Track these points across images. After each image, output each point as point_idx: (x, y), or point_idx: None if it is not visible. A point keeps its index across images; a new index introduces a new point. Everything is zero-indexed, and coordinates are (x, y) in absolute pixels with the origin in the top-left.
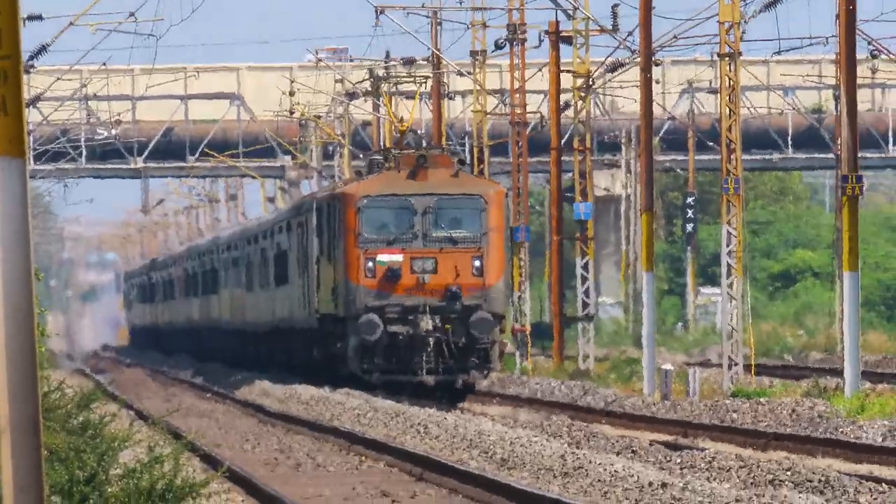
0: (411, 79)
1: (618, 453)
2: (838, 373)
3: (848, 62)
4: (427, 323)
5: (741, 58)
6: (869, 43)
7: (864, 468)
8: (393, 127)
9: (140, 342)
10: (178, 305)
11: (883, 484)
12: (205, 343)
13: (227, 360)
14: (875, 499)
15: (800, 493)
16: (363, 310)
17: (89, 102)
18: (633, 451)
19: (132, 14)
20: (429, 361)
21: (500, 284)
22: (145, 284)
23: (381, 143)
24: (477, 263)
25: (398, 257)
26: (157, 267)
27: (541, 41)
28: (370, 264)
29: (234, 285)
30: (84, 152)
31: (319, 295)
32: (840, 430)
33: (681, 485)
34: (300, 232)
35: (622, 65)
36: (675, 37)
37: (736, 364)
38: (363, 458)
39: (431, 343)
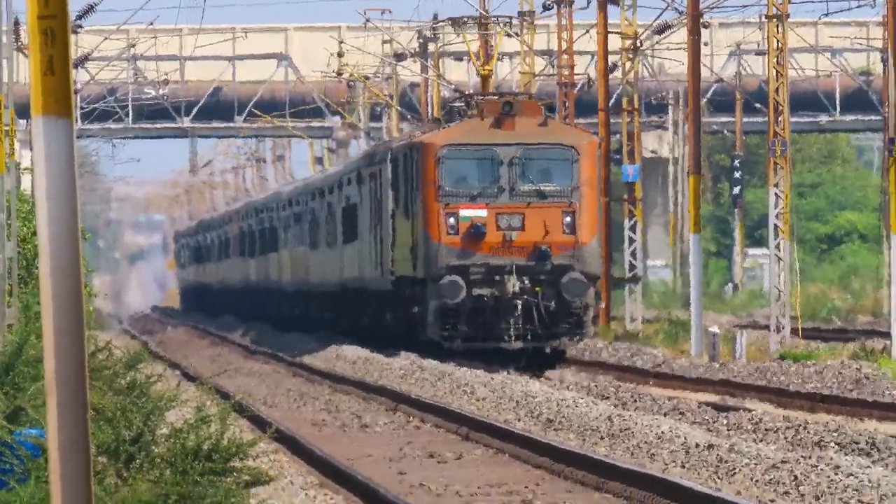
0: (461, 40)
1: (665, 415)
2: (885, 335)
3: None
4: (514, 285)
5: (789, 20)
6: None
7: None
8: (474, 70)
9: (192, 303)
10: (233, 265)
11: None
12: (262, 305)
13: (286, 323)
14: None
15: (846, 454)
16: (444, 270)
17: (137, 62)
18: (680, 413)
19: None
20: (516, 327)
21: (594, 243)
22: (199, 244)
23: (430, 105)
24: (568, 220)
25: (482, 212)
26: (212, 226)
27: (588, 3)
28: (451, 220)
29: (297, 243)
30: (131, 112)
31: (395, 254)
32: (887, 392)
33: (727, 446)
34: (373, 184)
35: (670, 26)
36: None
37: (783, 327)
38: (410, 417)
39: (519, 307)
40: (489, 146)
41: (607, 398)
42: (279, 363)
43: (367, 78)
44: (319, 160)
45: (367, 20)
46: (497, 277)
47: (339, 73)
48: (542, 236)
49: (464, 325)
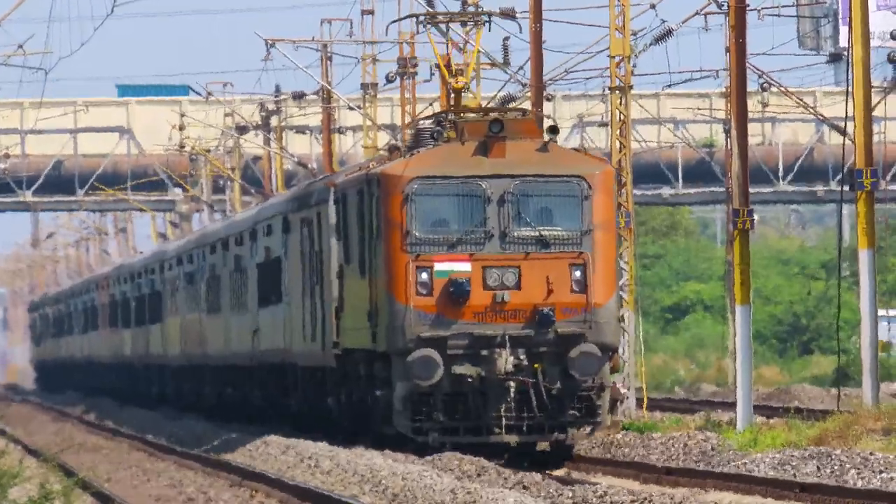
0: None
1: (510, 488)
2: (730, 406)
3: (738, 95)
4: (507, 361)
5: (632, 91)
6: (759, 76)
7: (755, 500)
8: (447, 85)
9: (49, 381)
10: (102, 337)
11: None
12: (141, 382)
13: (173, 403)
14: None
15: None
16: (415, 342)
17: None
18: (524, 487)
19: (20, 46)
20: (509, 416)
21: (612, 304)
22: (61, 314)
23: (273, 178)
24: (578, 274)
25: (465, 266)
26: (76, 293)
27: (432, 75)
28: (424, 276)
29: (189, 309)
30: None
31: (342, 321)
32: (732, 462)
33: None
34: (306, 231)
35: (513, 99)
36: (566, 71)
37: (628, 398)
38: (254, 492)
39: (513, 389)
40: (473, 179)
41: (451, 471)
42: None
43: (209, 151)
44: (163, 234)
45: (209, 93)
46: (484, 352)
47: (182, 147)
48: (544, 296)
49: (441, 413)
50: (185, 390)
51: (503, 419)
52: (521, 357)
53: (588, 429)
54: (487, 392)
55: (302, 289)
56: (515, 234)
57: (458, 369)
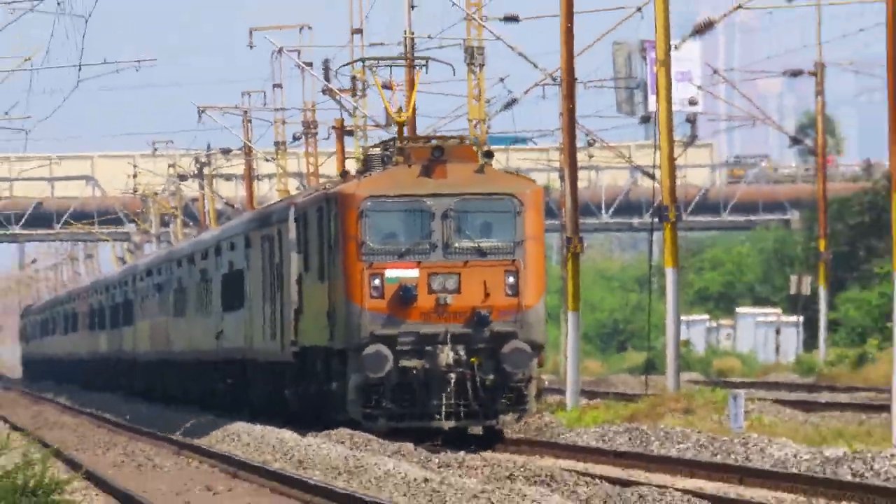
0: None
1: (389, 456)
2: (562, 391)
3: (570, 149)
4: (448, 356)
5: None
6: (586, 134)
7: (580, 466)
8: (388, 118)
9: (35, 373)
10: (81, 337)
11: (596, 479)
12: (113, 375)
13: (141, 393)
14: (589, 489)
15: (531, 485)
16: (368, 339)
17: None
18: (401, 455)
19: (6, 113)
20: (449, 403)
21: (540, 306)
22: (47, 319)
23: (207, 215)
24: (511, 280)
25: (412, 273)
26: (59, 303)
27: (329, 134)
28: (377, 282)
29: (157, 313)
30: None
31: (301, 322)
32: (562, 435)
33: (439, 479)
34: (266, 247)
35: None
36: (434, 131)
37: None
38: (190, 460)
39: (453, 381)
40: (420, 197)
41: (343, 443)
42: (88, 417)
43: (156, 194)
44: (122, 259)
45: (156, 149)
46: (428, 347)
47: (135, 191)
48: (482, 299)
49: (389, 401)
50: (151, 382)
51: (443, 407)
52: (461, 352)
53: (517, 415)
54: (430, 383)
55: (262, 296)
56: (456, 245)
57: (405, 363)
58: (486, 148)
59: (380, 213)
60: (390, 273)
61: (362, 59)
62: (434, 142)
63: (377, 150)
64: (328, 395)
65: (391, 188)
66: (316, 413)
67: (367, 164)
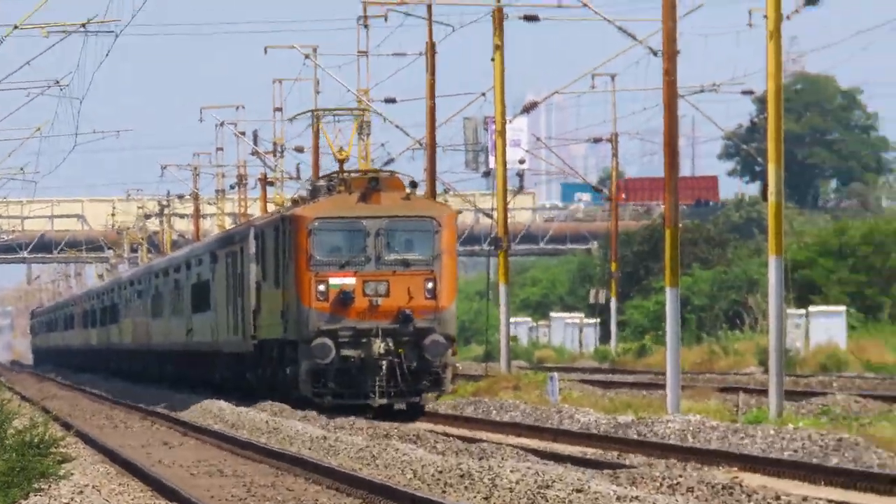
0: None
1: (299, 420)
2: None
3: (431, 195)
4: (379, 346)
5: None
6: (444, 185)
7: (440, 428)
8: (334, 157)
9: (41, 360)
10: (77, 333)
11: (450, 437)
12: (103, 361)
13: (123, 376)
14: (445, 445)
15: (402, 442)
16: (315, 333)
17: None
18: (308, 419)
19: (21, 169)
20: (381, 385)
21: (453, 307)
22: (51, 319)
23: (162, 246)
24: (430, 286)
25: (351, 280)
26: (59, 307)
27: (256, 185)
28: (322, 287)
29: (139, 314)
30: None
31: (259, 320)
32: (426, 407)
33: (334, 437)
34: (229, 261)
35: (304, 199)
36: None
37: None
38: (153, 422)
39: (384, 366)
40: (357, 219)
41: (265, 411)
42: (80, 391)
43: (128, 228)
44: (101, 276)
45: (129, 195)
46: (364, 340)
47: (114, 226)
48: (406, 301)
49: (333, 383)
50: (133, 367)
51: (377, 387)
52: (390, 344)
53: (436, 395)
54: (365, 368)
55: (226, 300)
56: (386, 257)
57: (346, 352)
58: (411, 179)
59: (325, 232)
60: (333, 280)
61: (313, 111)
62: (370, 174)
63: (323, 182)
64: (284, 377)
65: (335, 211)
66: (272, 390)
67: (314, 193)
